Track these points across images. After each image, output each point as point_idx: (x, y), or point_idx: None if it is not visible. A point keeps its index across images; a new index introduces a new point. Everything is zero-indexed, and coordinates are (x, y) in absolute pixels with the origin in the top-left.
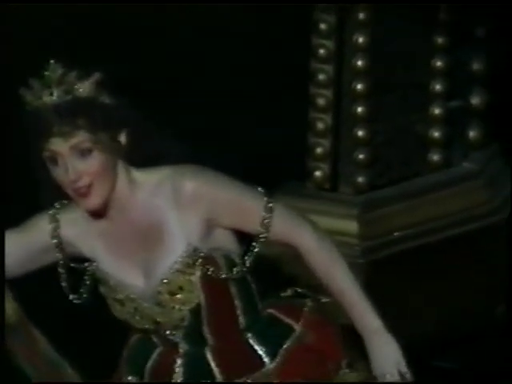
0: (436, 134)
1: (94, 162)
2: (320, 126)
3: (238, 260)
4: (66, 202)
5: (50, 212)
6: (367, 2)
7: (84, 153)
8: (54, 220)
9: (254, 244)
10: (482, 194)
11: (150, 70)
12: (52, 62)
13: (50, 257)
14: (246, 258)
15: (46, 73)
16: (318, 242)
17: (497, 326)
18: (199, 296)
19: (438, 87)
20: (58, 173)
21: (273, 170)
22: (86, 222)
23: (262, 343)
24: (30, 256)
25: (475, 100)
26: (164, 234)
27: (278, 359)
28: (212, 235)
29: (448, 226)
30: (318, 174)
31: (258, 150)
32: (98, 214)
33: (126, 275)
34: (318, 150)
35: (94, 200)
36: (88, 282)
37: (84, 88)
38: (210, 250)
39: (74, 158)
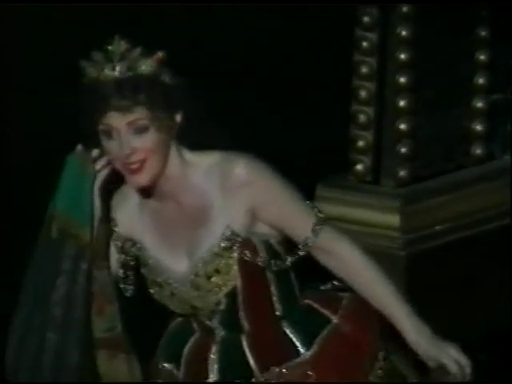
0: (478, 128)
1: (149, 140)
2: (362, 118)
3: (277, 246)
4: (116, 192)
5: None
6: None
7: (140, 130)
8: (112, 221)
9: (299, 247)
10: None
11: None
12: (116, 37)
13: None
14: (288, 257)
15: (110, 47)
16: (360, 252)
17: None
18: (235, 280)
19: (480, 81)
20: (112, 147)
21: (315, 162)
22: (137, 208)
23: (298, 332)
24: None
25: None
26: (208, 217)
27: (313, 349)
28: (255, 225)
29: (489, 218)
30: (359, 166)
31: (301, 143)
32: (147, 192)
33: (167, 256)
34: (360, 143)
35: (144, 177)
36: (132, 263)
37: (146, 65)
38: (248, 234)
39: (130, 134)
